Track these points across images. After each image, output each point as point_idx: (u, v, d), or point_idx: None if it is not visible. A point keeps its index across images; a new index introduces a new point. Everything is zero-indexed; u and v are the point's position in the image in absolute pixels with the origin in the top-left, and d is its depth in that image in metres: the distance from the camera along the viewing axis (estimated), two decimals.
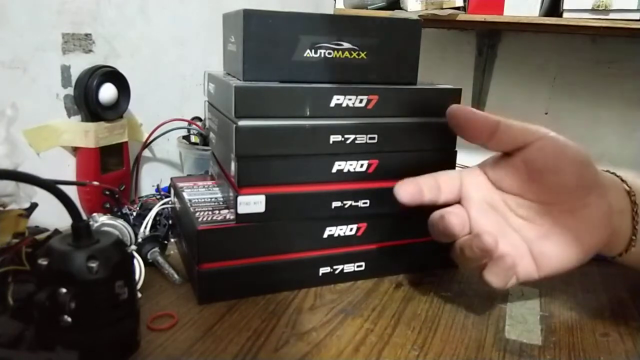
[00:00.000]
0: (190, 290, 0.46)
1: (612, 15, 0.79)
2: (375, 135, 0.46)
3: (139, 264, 0.45)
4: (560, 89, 1.04)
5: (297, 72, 0.44)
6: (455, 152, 0.49)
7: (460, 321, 0.43)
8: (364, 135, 0.45)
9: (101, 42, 0.63)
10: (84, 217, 0.34)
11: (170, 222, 0.55)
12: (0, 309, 0.36)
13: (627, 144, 1.03)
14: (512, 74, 1.06)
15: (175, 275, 0.47)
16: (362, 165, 0.46)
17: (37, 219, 0.47)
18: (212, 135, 0.55)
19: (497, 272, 0.40)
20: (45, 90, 0.58)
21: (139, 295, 0.41)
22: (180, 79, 0.75)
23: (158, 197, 0.64)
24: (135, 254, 0.45)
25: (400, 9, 0.90)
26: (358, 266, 0.49)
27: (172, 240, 0.55)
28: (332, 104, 0.44)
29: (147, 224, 0.52)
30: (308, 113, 0.43)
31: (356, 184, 0.46)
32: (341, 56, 0.46)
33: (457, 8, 0.87)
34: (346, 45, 0.45)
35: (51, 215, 0.42)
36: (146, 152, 0.72)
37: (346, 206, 0.46)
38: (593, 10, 0.80)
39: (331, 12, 0.95)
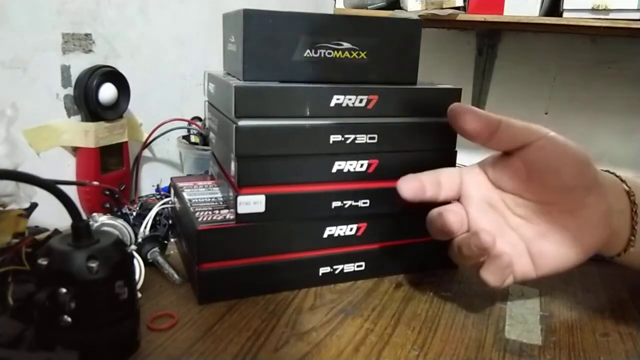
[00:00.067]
0: (190, 290, 0.46)
1: (612, 15, 0.79)
2: (375, 135, 0.46)
3: (139, 264, 0.45)
4: (560, 89, 1.04)
5: (297, 72, 0.44)
6: (455, 152, 0.49)
7: (460, 321, 0.43)
8: (364, 135, 0.45)
9: (101, 42, 0.63)
10: (84, 217, 0.34)
11: (170, 222, 0.55)
12: (0, 309, 0.36)
13: (627, 144, 1.03)
14: (512, 74, 1.06)
15: (175, 275, 0.47)
16: (362, 165, 0.46)
17: (37, 219, 0.47)
18: (212, 135, 0.55)
19: (494, 271, 0.41)
20: (45, 90, 0.58)
21: (139, 295, 0.41)
22: (180, 79, 0.75)
23: (158, 197, 0.64)
24: (135, 254, 0.45)
25: (400, 9, 0.90)
26: (358, 266, 0.49)
27: (172, 240, 0.55)
28: (332, 104, 0.44)
29: (147, 224, 0.52)
30: (308, 113, 0.43)
31: (356, 184, 0.46)
32: (341, 56, 0.46)
33: (457, 8, 0.87)
34: (346, 45, 0.45)
35: (51, 215, 0.42)
36: (146, 152, 0.72)
37: (346, 206, 0.46)
38: (593, 10, 0.80)
39: (331, 12, 0.95)
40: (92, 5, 0.61)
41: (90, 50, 0.62)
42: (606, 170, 0.44)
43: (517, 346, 0.40)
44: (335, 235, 0.47)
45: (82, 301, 0.31)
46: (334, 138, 0.44)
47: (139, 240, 0.50)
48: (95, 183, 0.60)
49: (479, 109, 0.43)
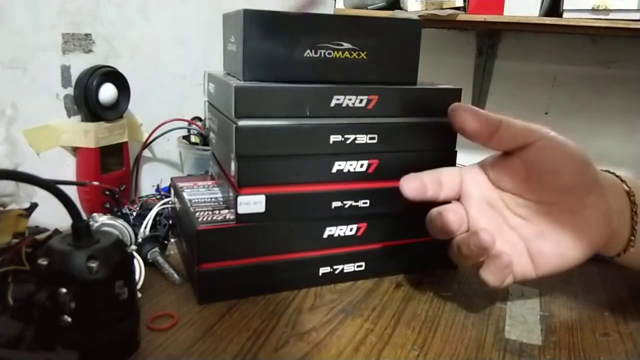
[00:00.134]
0: (190, 290, 0.46)
1: (612, 15, 0.79)
2: (375, 135, 0.46)
3: (139, 264, 0.45)
4: (560, 89, 1.04)
5: (297, 72, 0.44)
6: (455, 152, 0.49)
7: (460, 321, 0.43)
8: (364, 135, 0.45)
9: (101, 42, 0.63)
10: (84, 217, 0.34)
11: (170, 222, 0.55)
12: (0, 309, 0.36)
13: (627, 144, 1.03)
14: (512, 74, 1.06)
15: (175, 275, 0.47)
16: (362, 165, 0.46)
17: (37, 219, 0.47)
18: (212, 135, 0.55)
19: (494, 271, 0.41)
20: (45, 90, 0.58)
21: (139, 295, 0.41)
22: (180, 79, 0.75)
23: (158, 197, 0.64)
24: (135, 254, 0.45)
25: (400, 9, 0.90)
26: (358, 266, 0.49)
27: (172, 240, 0.55)
28: (332, 104, 0.44)
29: (147, 224, 0.52)
30: (308, 113, 0.43)
31: (356, 184, 0.46)
32: (341, 56, 0.46)
33: (457, 8, 0.87)
34: (346, 45, 0.45)
35: (51, 215, 0.42)
36: (146, 152, 0.72)
37: (346, 206, 0.46)
38: (593, 10, 0.80)
39: (331, 12, 0.95)
40: (92, 5, 0.61)
41: (90, 50, 0.62)
42: (606, 170, 0.44)
43: (517, 346, 0.40)
44: (335, 235, 0.47)
45: (82, 301, 0.31)
46: (334, 138, 0.44)
47: (139, 240, 0.50)
48: (95, 183, 0.60)
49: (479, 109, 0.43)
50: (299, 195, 0.45)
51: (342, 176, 0.46)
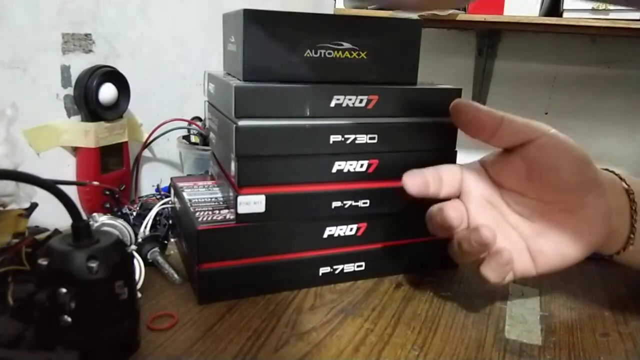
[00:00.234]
0: (190, 290, 0.46)
1: (612, 15, 0.79)
2: (375, 135, 0.46)
3: (139, 264, 0.45)
4: (560, 89, 1.05)
5: (297, 72, 0.44)
6: (455, 152, 0.49)
7: (460, 321, 0.43)
8: (364, 135, 0.45)
9: (101, 42, 0.63)
10: (84, 217, 0.34)
11: (170, 222, 0.55)
12: (0, 309, 0.36)
13: (628, 144, 1.03)
14: (512, 74, 1.06)
15: (175, 275, 0.47)
16: (362, 165, 0.46)
17: (37, 219, 0.47)
18: (212, 135, 0.55)
19: (494, 267, 0.41)
20: (45, 90, 0.58)
21: (139, 295, 0.41)
22: (180, 79, 0.75)
23: (158, 197, 0.64)
24: (135, 254, 0.45)
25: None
26: (358, 266, 0.49)
27: (172, 240, 0.55)
28: (332, 104, 0.44)
29: (147, 224, 0.52)
30: (308, 113, 0.43)
31: (356, 184, 0.46)
32: (341, 56, 0.46)
33: (457, 8, 0.87)
34: (346, 45, 0.45)
35: (51, 215, 0.42)
36: (146, 152, 0.72)
37: (346, 206, 0.46)
38: (593, 10, 0.80)
39: (331, 12, 0.95)
40: (92, 5, 0.61)
41: (90, 50, 0.62)
42: (605, 169, 0.44)
43: (517, 346, 0.40)
44: (335, 235, 0.47)
45: (82, 301, 0.31)
46: (334, 138, 0.44)
47: (139, 240, 0.50)
48: (95, 183, 0.60)
49: None
50: (299, 195, 0.45)
51: (342, 176, 0.46)
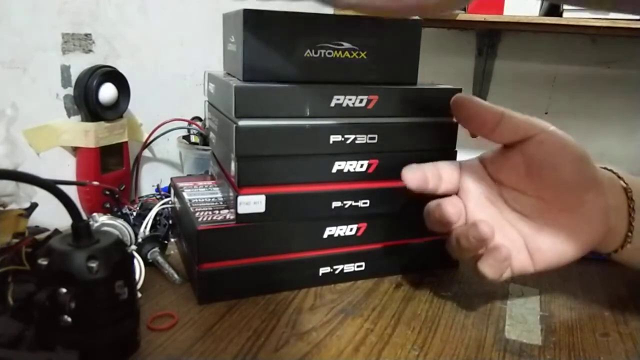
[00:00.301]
0: (190, 290, 0.46)
1: (612, 15, 0.79)
2: (375, 135, 0.46)
3: (139, 264, 0.45)
4: (560, 89, 1.05)
5: (297, 72, 0.44)
6: (455, 152, 0.49)
7: (460, 321, 0.43)
8: (364, 135, 0.45)
9: (101, 42, 0.63)
10: (84, 217, 0.34)
11: (170, 222, 0.55)
12: (0, 309, 0.36)
13: (628, 144, 1.03)
14: (512, 74, 1.06)
15: (175, 275, 0.47)
16: (362, 165, 0.46)
17: (37, 219, 0.47)
18: (212, 135, 0.55)
19: (492, 264, 0.40)
20: (45, 90, 0.58)
21: (139, 295, 0.41)
22: (180, 79, 0.75)
23: (158, 197, 0.64)
24: (135, 254, 0.45)
25: None
26: (358, 266, 0.49)
27: (172, 240, 0.55)
28: (332, 104, 0.44)
29: (147, 224, 0.52)
30: (308, 113, 0.43)
31: (356, 184, 0.46)
32: (341, 56, 0.46)
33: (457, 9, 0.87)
34: (346, 45, 0.45)
35: (51, 215, 0.42)
36: (146, 152, 0.72)
37: (346, 206, 0.46)
38: (593, 10, 0.80)
39: (331, 12, 0.95)
40: (92, 5, 0.61)
41: (90, 50, 0.62)
42: (603, 167, 0.44)
43: (517, 346, 0.40)
44: (335, 235, 0.47)
45: (82, 301, 0.31)
46: (334, 138, 0.44)
47: (139, 240, 0.50)
48: (95, 183, 0.60)
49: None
50: (299, 195, 0.45)
51: (342, 176, 0.46)
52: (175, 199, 0.55)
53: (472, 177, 0.44)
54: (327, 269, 0.47)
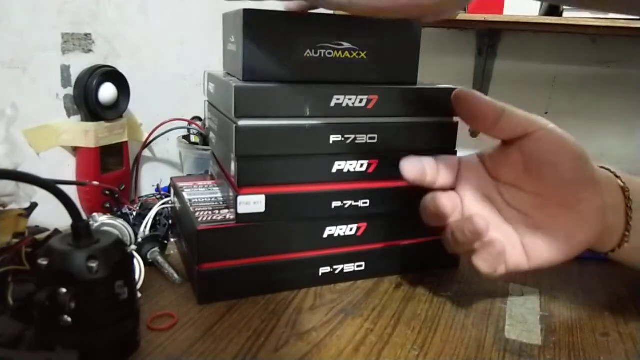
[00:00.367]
0: (190, 290, 0.46)
1: (612, 15, 0.79)
2: (375, 135, 0.46)
3: (139, 264, 0.45)
4: (560, 89, 1.05)
5: (297, 72, 0.44)
6: (455, 152, 0.49)
7: (460, 321, 0.43)
8: (364, 135, 0.45)
9: (101, 42, 0.63)
10: (84, 217, 0.34)
11: (170, 222, 0.55)
12: (0, 309, 0.36)
13: (627, 144, 1.03)
14: (512, 74, 1.06)
15: (175, 275, 0.47)
16: (362, 165, 0.46)
17: (37, 219, 0.47)
18: (212, 135, 0.55)
19: (487, 258, 0.41)
20: (45, 90, 0.58)
21: (139, 295, 0.41)
22: (180, 79, 0.75)
23: (158, 197, 0.64)
24: (135, 254, 0.45)
25: None
26: (358, 266, 0.49)
27: (172, 240, 0.55)
28: (332, 104, 0.44)
29: (147, 223, 0.52)
30: (308, 113, 0.43)
31: (356, 184, 0.46)
32: (341, 56, 0.46)
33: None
34: (346, 45, 0.45)
35: (51, 215, 0.42)
36: (146, 152, 0.72)
37: (346, 206, 0.46)
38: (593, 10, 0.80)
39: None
40: (92, 5, 0.61)
41: (90, 50, 0.62)
42: (601, 166, 0.44)
43: (517, 346, 0.40)
44: (335, 235, 0.47)
45: (82, 301, 0.31)
46: (334, 138, 0.44)
47: (139, 240, 0.50)
48: (95, 183, 0.60)
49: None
50: (299, 195, 0.45)
51: (342, 176, 0.46)
52: (175, 199, 0.55)
53: (470, 173, 0.44)
54: (327, 269, 0.47)
